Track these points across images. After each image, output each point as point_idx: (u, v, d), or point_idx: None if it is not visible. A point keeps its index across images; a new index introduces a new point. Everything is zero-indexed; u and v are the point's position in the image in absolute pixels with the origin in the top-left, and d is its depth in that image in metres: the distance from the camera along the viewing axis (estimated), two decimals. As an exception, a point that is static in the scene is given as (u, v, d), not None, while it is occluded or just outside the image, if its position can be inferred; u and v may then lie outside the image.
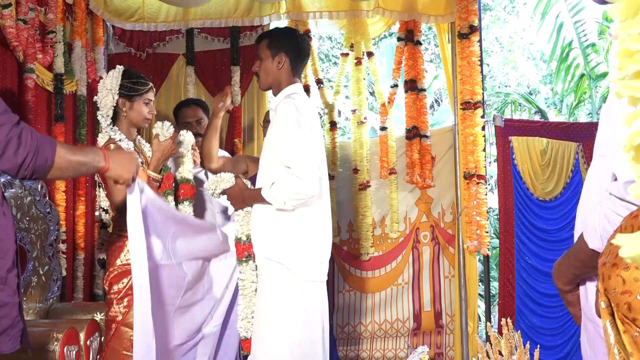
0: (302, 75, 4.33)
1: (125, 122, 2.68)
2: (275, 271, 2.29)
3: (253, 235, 2.38)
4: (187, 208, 2.71)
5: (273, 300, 2.27)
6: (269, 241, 2.31)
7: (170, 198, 2.56)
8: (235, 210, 2.48)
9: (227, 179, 2.41)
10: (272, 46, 2.43)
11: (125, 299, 2.48)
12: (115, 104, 2.64)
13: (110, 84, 2.64)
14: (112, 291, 2.51)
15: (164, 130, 2.60)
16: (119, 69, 2.70)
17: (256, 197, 2.32)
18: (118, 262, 2.51)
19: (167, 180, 2.57)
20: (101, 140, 2.61)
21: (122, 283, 2.49)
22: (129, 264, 2.49)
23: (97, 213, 2.77)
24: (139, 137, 2.82)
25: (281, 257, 2.27)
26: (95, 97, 2.71)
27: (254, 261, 2.43)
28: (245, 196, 2.39)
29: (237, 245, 2.47)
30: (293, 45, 2.45)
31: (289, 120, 2.26)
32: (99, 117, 2.67)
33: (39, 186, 3.32)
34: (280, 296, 2.27)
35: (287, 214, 2.27)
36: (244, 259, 2.44)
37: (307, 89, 4.30)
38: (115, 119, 2.67)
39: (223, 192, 2.46)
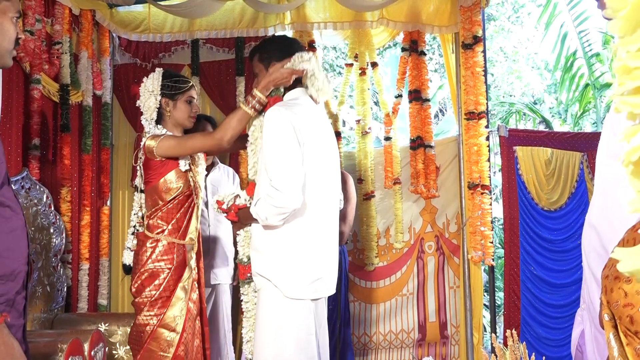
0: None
1: (170, 122, 2.69)
2: (266, 288, 2.23)
3: (250, 251, 2.34)
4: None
5: (267, 317, 2.22)
6: (260, 257, 2.25)
7: None
8: (235, 231, 2.43)
9: (242, 198, 2.34)
10: (263, 58, 2.40)
11: (160, 301, 2.52)
12: (158, 105, 2.65)
13: (151, 85, 2.66)
14: (143, 295, 2.54)
15: (296, 61, 2.33)
16: (159, 70, 2.71)
17: (249, 216, 2.26)
18: (149, 263, 2.56)
19: (275, 102, 2.35)
20: (144, 140, 2.60)
21: (154, 285, 2.54)
22: (160, 265, 2.53)
23: (132, 218, 2.77)
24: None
25: (269, 273, 2.21)
26: (137, 102, 2.71)
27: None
28: (240, 216, 2.33)
29: (240, 266, 2.42)
30: (282, 49, 2.40)
31: (268, 129, 2.19)
32: (143, 122, 2.67)
33: (44, 196, 3.34)
34: (273, 313, 2.20)
35: (278, 229, 2.20)
36: (246, 281, 2.38)
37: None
38: (159, 122, 2.68)
39: (224, 212, 2.41)
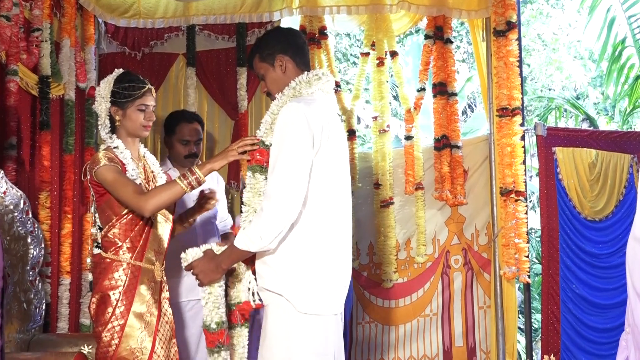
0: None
1: (122, 131, 2.71)
2: (276, 303, 2.25)
3: (256, 265, 2.33)
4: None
5: (276, 335, 2.24)
6: (268, 271, 2.27)
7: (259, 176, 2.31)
8: (202, 285, 2.35)
9: (195, 254, 2.35)
10: (264, 57, 2.45)
11: (112, 331, 2.53)
12: (109, 113, 2.68)
13: (103, 90, 2.69)
14: (100, 322, 2.55)
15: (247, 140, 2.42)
16: (115, 73, 2.73)
17: (231, 253, 2.27)
18: (102, 287, 2.56)
19: (262, 155, 2.30)
20: (101, 150, 2.65)
21: (107, 311, 2.54)
22: (112, 289, 2.55)
23: (92, 230, 2.78)
24: (146, 150, 2.87)
25: (281, 287, 2.23)
26: (93, 105, 2.76)
27: (226, 350, 2.36)
28: (218, 262, 2.30)
29: (206, 333, 2.36)
30: (282, 41, 2.45)
31: (282, 128, 2.23)
32: (99, 126, 2.72)
33: (21, 202, 3.36)
34: (284, 331, 2.23)
35: (289, 239, 2.22)
36: (215, 349, 2.34)
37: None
38: (114, 128, 2.71)
39: (189, 268, 2.36)
